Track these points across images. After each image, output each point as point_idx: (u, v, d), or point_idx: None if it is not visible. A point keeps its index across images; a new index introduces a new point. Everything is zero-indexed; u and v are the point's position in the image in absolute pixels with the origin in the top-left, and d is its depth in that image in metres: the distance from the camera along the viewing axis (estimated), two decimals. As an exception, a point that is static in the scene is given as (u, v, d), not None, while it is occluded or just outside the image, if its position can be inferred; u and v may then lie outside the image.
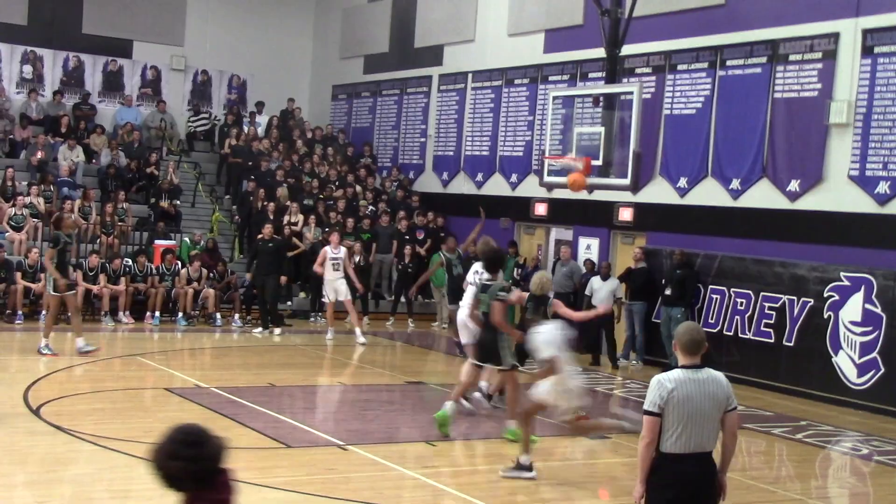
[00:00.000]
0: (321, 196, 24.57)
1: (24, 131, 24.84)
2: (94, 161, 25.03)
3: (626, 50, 18.94)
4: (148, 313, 20.20)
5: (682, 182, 19.35)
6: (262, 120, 28.00)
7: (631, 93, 17.32)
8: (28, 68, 26.62)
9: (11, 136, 24.73)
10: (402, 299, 22.80)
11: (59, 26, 26.76)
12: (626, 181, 17.25)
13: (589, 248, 21.02)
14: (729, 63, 18.69)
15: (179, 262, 21.09)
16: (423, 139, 26.28)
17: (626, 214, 20.24)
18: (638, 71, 20.14)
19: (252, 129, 27.05)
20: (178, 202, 24.14)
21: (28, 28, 26.45)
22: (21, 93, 26.27)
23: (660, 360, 18.60)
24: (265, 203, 23.42)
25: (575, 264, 20.79)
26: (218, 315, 20.68)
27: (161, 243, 21.69)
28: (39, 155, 23.81)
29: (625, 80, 19.53)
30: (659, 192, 19.74)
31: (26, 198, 21.78)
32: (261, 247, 20.06)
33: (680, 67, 19.53)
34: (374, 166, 27.03)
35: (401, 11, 27.07)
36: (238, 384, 14.31)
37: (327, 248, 19.24)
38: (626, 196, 19.65)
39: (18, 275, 19.37)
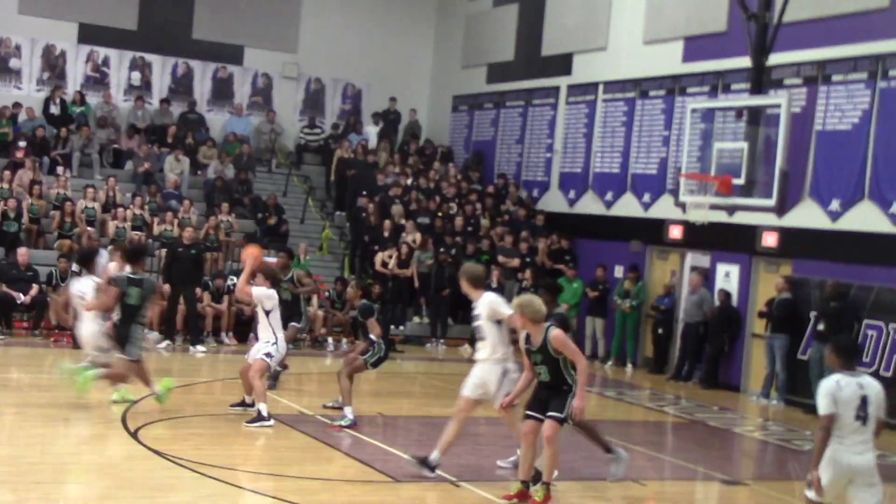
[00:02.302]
0: (439, 214, 24.66)
1: (130, 140, 25.55)
2: (199, 173, 25.60)
3: (774, 59, 18.59)
4: (252, 335, 20.47)
5: (835, 205, 18.83)
6: (377, 132, 28.26)
7: (778, 106, 17.05)
8: (136, 75, 27.40)
9: (116, 146, 25.46)
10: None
11: (170, 31, 27.48)
12: (771, 202, 16.96)
13: (728, 275, 20.63)
14: (892, 73, 18.14)
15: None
16: (548, 154, 26.17)
17: (770, 239, 19.78)
18: (787, 82, 19.70)
19: (365, 142, 27.33)
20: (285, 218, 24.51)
21: (138, 33, 27.23)
22: (128, 100, 27.04)
23: (804, 401, 18.10)
24: (379, 220, 23.62)
25: (706, 292, 20.45)
26: (330, 339, 20.88)
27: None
28: (147, 166, 24.45)
29: (772, 91, 19.16)
30: (808, 215, 19.25)
31: (127, 210, 22.35)
32: (180, 253, 20.00)
33: (835, 78, 19.05)
34: (499, 182, 26.99)
35: (528, 17, 27.06)
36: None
37: None
38: (771, 219, 19.23)
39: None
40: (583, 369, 9.94)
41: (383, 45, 29.43)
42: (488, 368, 10.99)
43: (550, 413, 9.96)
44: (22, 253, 19.97)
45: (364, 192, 25.00)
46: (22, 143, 23.76)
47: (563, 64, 25.82)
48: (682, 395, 18.95)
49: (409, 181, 26.02)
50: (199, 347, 19.52)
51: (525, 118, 27.04)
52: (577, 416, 9.93)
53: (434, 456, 10.96)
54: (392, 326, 22.04)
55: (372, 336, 13.47)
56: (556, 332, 9.97)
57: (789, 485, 13.03)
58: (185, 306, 19.81)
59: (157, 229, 22.34)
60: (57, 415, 13.11)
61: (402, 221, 23.93)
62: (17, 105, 25.10)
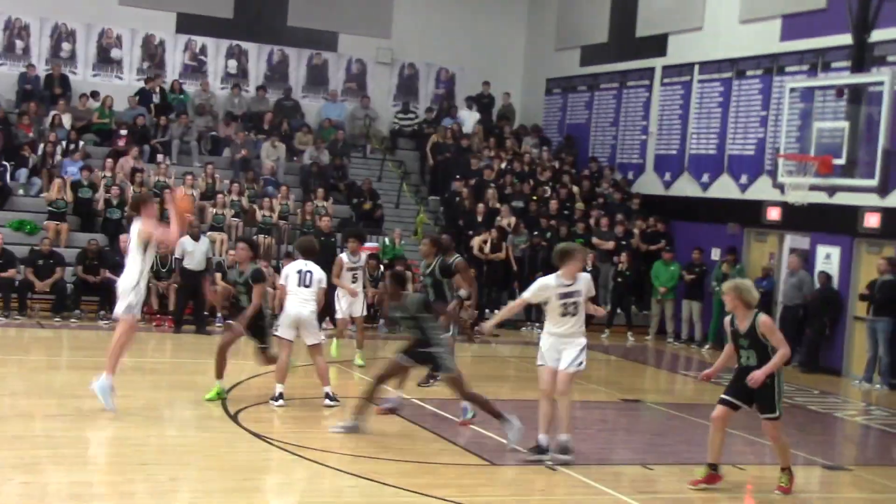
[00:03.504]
0: (533, 197, 24.58)
1: (227, 128, 25.90)
2: (295, 159, 25.86)
3: (877, 35, 18.17)
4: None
5: (940, 184, 18.37)
6: (472, 115, 28.27)
7: (881, 83, 16.63)
8: (233, 63, 27.76)
9: (214, 133, 25.84)
10: (619, 310, 22.62)
11: (265, 19, 27.80)
12: (874, 182, 16.60)
13: (829, 257, 20.25)
14: None
15: (382, 267, 21.47)
16: (643, 136, 25.95)
17: (872, 220, 19.37)
18: (890, 59, 19.22)
19: (458, 126, 27.35)
20: (381, 203, 24.63)
21: (234, 21, 27.59)
22: (225, 88, 27.42)
23: (910, 385, 17.78)
24: (474, 205, 23.64)
25: (805, 274, 20.11)
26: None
27: (364, 246, 22.11)
28: (244, 152, 24.78)
29: (874, 69, 18.71)
30: (911, 195, 18.82)
31: (226, 196, 22.68)
32: (321, 242, 19.36)
33: (939, 54, 18.57)
34: (592, 166, 26.81)
35: (621, -2, 26.83)
36: (442, 396, 14.43)
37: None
38: (873, 199, 18.83)
39: (218, 276, 20.15)
40: (782, 357, 10.13)
41: (476, 29, 29.41)
42: (580, 342, 11.02)
43: (765, 416, 10.38)
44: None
45: (458, 177, 25.02)
46: (123, 132, 24.24)
47: (657, 45, 25.54)
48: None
49: (504, 165, 25.98)
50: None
51: (619, 100, 26.82)
52: (752, 384, 10.08)
53: (564, 438, 10.99)
54: (486, 310, 22.07)
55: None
56: (763, 318, 10.16)
57: (893, 470, 12.78)
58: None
59: (258, 215, 22.65)
60: (161, 398, 13.38)
61: (497, 205, 23.91)
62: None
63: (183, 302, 19.61)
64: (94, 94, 25.35)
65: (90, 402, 11.99)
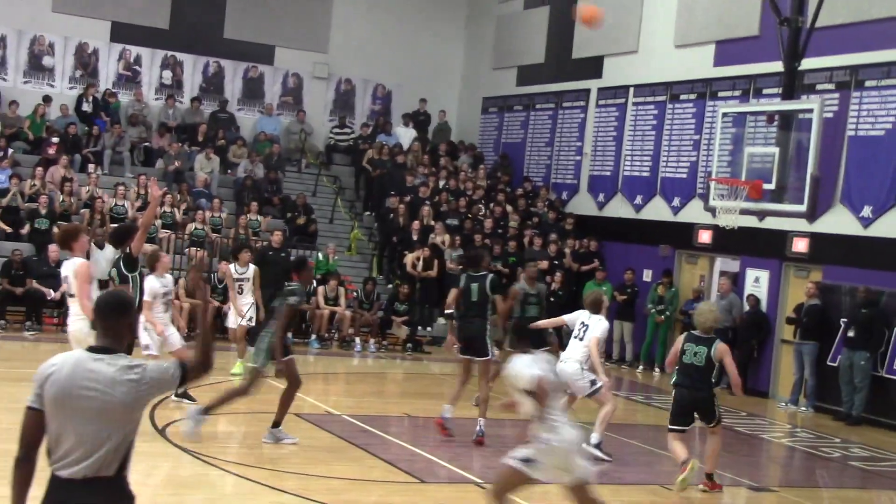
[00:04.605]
0: (468, 216, 24.66)
1: (161, 139, 25.68)
2: (229, 172, 25.70)
3: (807, 63, 18.45)
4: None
5: (867, 211, 18.73)
6: (408, 132, 28.31)
7: (811, 111, 16.85)
8: (168, 73, 27.54)
9: (147, 144, 25.60)
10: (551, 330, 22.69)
11: (201, 31, 27.61)
12: (802, 208, 16.78)
13: (757, 280, 20.54)
14: (924, 80, 18.04)
15: (315, 282, 21.40)
16: (578, 157, 26.14)
17: (800, 245, 19.69)
18: (819, 87, 19.62)
19: (395, 143, 27.37)
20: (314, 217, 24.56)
21: (169, 32, 27.37)
22: (159, 99, 27.18)
23: (833, 408, 18.05)
24: (408, 221, 23.65)
25: (735, 298, 20.37)
26: (357, 339, 20.93)
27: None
28: (177, 164, 24.57)
29: (804, 96, 19.05)
30: (839, 221, 19.15)
31: (159, 208, 22.46)
32: (270, 257, 19.82)
33: (868, 84, 18.95)
34: (527, 185, 26.94)
35: (558, 19, 27.00)
36: (372, 413, 14.41)
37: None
38: (802, 225, 19.14)
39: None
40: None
41: (413, 46, 29.48)
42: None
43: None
44: (52, 250, 20.09)
45: (393, 193, 25.03)
46: (54, 140, 23.93)
47: (593, 67, 25.77)
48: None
49: (442, 183, 26.02)
50: None
51: (555, 121, 27.01)
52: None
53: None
54: (419, 328, 22.08)
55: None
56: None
57: (817, 492, 12.96)
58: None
59: (188, 228, 22.44)
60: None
61: (431, 223, 23.95)
62: (47, 99, 25.29)
63: None
64: (46, 99, 25.20)
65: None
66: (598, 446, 12.52)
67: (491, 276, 13.30)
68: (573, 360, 12.64)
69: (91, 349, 4.89)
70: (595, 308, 12.91)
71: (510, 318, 14.25)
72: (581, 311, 13.00)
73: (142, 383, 4.82)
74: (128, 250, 11.55)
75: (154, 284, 13.21)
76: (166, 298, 13.53)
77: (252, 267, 16.82)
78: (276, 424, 11.94)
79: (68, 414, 4.75)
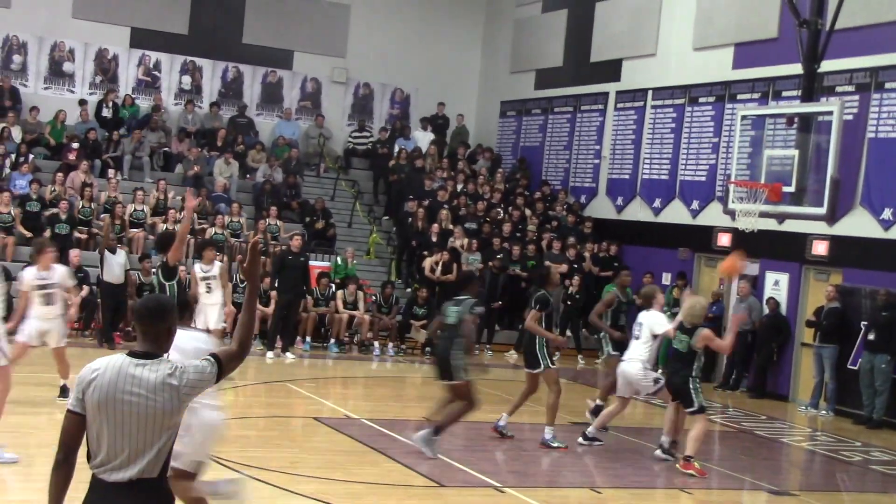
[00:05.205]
0: (486, 219, 24.66)
1: (180, 144, 25.78)
2: (248, 176, 25.78)
3: (826, 66, 18.41)
4: (298, 338, 20.59)
5: (887, 213, 18.65)
6: (426, 136, 28.34)
7: (830, 113, 16.82)
8: (187, 79, 27.65)
9: (167, 149, 25.70)
10: (569, 333, 22.68)
11: (220, 36, 27.73)
12: (822, 210, 16.74)
13: (777, 283, 20.48)
14: (944, 81, 17.96)
15: (334, 286, 21.45)
16: (596, 160, 26.12)
17: (820, 248, 19.64)
18: (839, 89, 19.55)
19: (414, 147, 27.41)
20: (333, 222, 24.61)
21: (189, 38, 27.49)
22: (178, 104, 27.30)
23: (853, 411, 17.98)
24: (427, 225, 23.68)
25: (754, 301, 20.30)
26: (376, 343, 20.95)
27: (315, 265, 22.10)
28: (196, 169, 24.67)
29: (823, 98, 19.00)
30: (859, 224, 19.07)
31: (177, 213, 22.56)
32: (290, 261, 20.08)
33: (888, 85, 18.87)
34: (545, 189, 26.93)
35: (577, 23, 27.02)
36: (391, 416, 14.43)
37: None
38: (821, 227, 19.07)
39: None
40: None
41: (432, 51, 29.50)
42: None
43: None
44: (74, 255, 20.20)
45: (411, 197, 25.05)
46: (75, 146, 24.06)
47: (611, 70, 25.76)
48: (730, 404, 18.82)
49: (460, 187, 26.04)
50: (289, 354, 19.68)
51: (573, 124, 27.00)
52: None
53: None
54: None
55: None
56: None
57: (838, 496, 12.92)
58: (290, 314, 20.02)
59: (207, 233, 22.53)
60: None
61: (450, 226, 23.96)
62: (83, 102, 25.44)
63: (109, 316, 19.38)
64: (82, 103, 25.39)
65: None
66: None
67: (473, 301, 12.58)
68: (635, 360, 12.79)
69: (132, 353, 4.93)
70: (648, 302, 13.04)
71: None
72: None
73: (182, 388, 4.87)
74: (164, 259, 11.69)
75: (30, 276, 12.87)
76: (45, 291, 12.93)
77: (218, 264, 16.08)
78: (438, 431, 12.12)
79: (111, 419, 4.80)
